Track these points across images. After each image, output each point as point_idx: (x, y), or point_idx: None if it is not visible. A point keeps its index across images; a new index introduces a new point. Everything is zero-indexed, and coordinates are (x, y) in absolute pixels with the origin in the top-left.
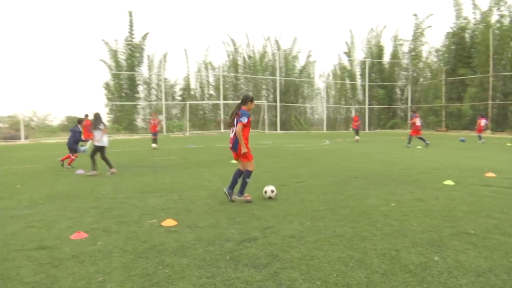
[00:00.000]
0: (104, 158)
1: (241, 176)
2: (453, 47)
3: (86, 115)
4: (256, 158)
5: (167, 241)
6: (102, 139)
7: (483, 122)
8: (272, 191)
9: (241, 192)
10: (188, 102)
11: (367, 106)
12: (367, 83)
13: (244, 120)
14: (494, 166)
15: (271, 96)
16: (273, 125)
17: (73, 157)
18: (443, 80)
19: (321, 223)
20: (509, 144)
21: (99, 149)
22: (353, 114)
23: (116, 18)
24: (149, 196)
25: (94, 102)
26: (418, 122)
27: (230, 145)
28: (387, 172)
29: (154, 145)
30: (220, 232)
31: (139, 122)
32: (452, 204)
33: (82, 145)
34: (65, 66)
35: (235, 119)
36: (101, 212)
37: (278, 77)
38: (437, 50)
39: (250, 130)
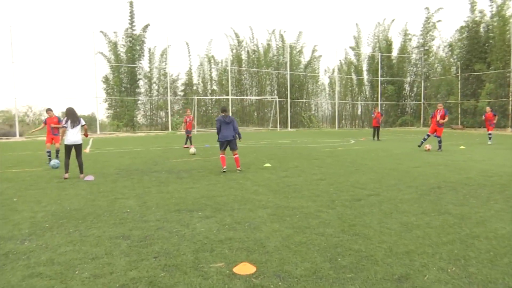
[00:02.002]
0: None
1: None
2: (466, 42)
3: (48, 110)
4: (292, 161)
5: None
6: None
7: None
8: None
9: None
10: (195, 97)
11: (379, 103)
12: (379, 78)
13: None
14: None
15: (275, 92)
16: (280, 122)
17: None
18: (459, 76)
19: (473, 269)
20: None
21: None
22: (359, 110)
23: (114, 9)
24: (192, 217)
25: (92, 97)
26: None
27: None
28: (468, 180)
29: (191, 148)
30: None
31: (140, 118)
32: None
33: None
34: (61, 58)
35: None
36: (135, 246)
37: (288, 72)
38: (450, 45)
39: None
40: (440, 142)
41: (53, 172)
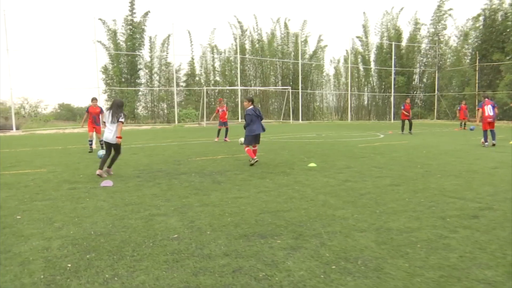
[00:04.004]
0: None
1: None
2: (483, 30)
3: (93, 99)
4: (337, 159)
5: None
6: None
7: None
8: None
9: None
10: (204, 88)
11: (393, 94)
12: (393, 68)
13: None
14: None
15: (279, 82)
16: (289, 115)
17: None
18: (477, 66)
19: None
20: None
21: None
22: (365, 101)
23: None
24: (272, 249)
25: (93, 87)
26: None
27: None
28: None
29: (226, 139)
30: None
31: (141, 110)
32: None
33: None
34: (57, 47)
35: None
36: None
37: (300, 61)
38: (465, 34)
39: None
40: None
41: (60, 175)
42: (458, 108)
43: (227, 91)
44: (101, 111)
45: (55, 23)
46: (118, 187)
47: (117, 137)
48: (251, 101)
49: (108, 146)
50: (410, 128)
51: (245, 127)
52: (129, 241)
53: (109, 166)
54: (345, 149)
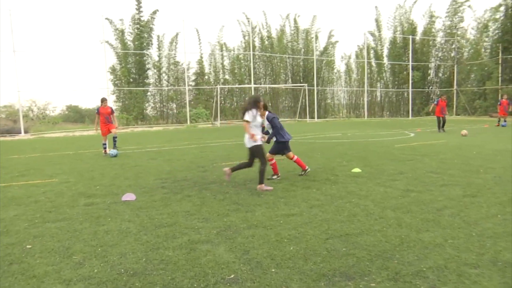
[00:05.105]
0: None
1: None
2: (504, 21)
3: (103, 99)
4: (380, 163)
5: None
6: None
7: None
8: None
9: None
10: (218, 86)
11: (410, 90)
12: (410, 63)
13: None
14: None
15: (289, 80)
16: (303, 113)
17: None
18: (499, 59)
19: None
20: None
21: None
22: (378, 98)
23: None
24: None
25: (103, 88)
26: None
27: None
28: None
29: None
30: None
31: (149, 110)
32: None
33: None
34: (64, 48)
35: None
36: None
37: (315, 57)
38: (485, 26)
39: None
40: None
41: (74, 187)
42: (499, 103)
43: (237, 90)
44: (112, 111)
45: (61, 23)
46: (142, 202)
47: (250, 137)
48: (264, 107)
49: (249, 154)
50: (443, 126)
51: (271, 136)
52: (173, 286)
53: (260, 182)
54: (383, 151)
